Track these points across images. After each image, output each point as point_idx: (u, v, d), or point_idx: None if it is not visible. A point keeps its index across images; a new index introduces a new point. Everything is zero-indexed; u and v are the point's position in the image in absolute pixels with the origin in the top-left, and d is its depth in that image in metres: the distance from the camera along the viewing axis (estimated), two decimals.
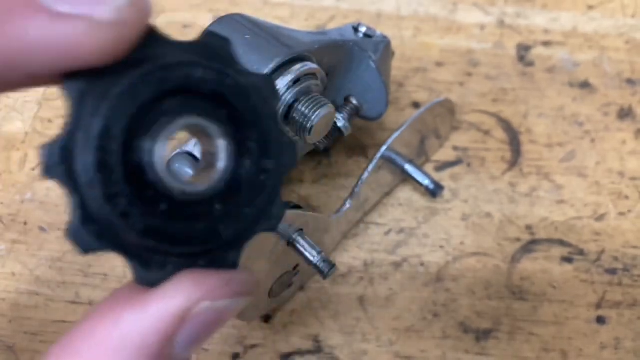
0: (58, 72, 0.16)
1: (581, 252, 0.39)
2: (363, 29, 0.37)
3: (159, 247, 0.17)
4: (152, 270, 0.18)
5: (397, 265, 0.38)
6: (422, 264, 0.38)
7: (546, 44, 0.47)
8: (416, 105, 0.44)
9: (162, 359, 0.18)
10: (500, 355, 0.36)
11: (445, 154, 0.42)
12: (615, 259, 0.39)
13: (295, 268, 0.34)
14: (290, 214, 0.32)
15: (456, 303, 0.37)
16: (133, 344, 0.17)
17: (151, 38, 0.17)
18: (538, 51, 0.46)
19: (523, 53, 0.46)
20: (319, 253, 0.32)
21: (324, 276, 0.33)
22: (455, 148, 0.42)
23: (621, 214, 0.40)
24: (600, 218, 0.40)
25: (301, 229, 0.32)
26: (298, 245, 0.32)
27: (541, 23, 0.48)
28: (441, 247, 0.39)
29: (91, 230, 0.17)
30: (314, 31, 0.38)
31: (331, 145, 0.41)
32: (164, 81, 0.17)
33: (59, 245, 0.38)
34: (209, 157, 0.18)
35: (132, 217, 0.17)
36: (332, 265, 0.33)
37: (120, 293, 0.18)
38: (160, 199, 0.17)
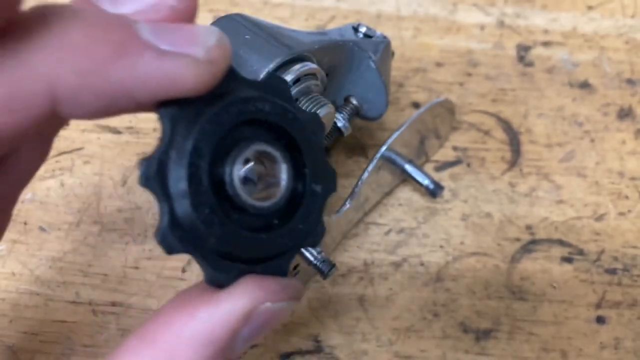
0: (156, 100, 0.19)
1: (581, 252, 0.39)
2: (363, 29, 0.37)
3: (231, 252, 0.20)
4: (221, 272, 0.20)
5: (397, 265, 0.38)
6: (422, 264, 0.38)
7: (546, 44, 0.47)
8: (416, 105, 0.44)
9: (227, 351, 0.20)
10: (500, 355, 0.36)
11: (445, 154, 0.42)
12: (615, 259, 0.39)
13: (295, 268, 0.34)
14: None
15: (456, 303, 0.37)
16: (205, 336, 0.20)
17: (229, 75, 0.21)
18: (538, 51, 0.46)
19: (523, 53, 0.46)
20: (319, 253, 0.32)
21: (324, 276, 0.33)
22: (455, 148, 0.42)
23: (621, 214, 0.40)
24: (600, 218, 0.40)
25: None
26: None
27: (541, 23, 0.48)
28: (441, 247, 0.39)
29: (176, 235, 0.19)
30: (314, 31, 0.38)
31: (331, 145, 0.41)
32: (241, 112, 0.20)
33: (59, 245, 0.38)
34: (271, 179, 0.22)
35: (213, 224, 0.19)
36: (332, 265, 0.33)
37: (192, 292, 0.21)
38: (235, 211, 0.20)
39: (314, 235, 0.22)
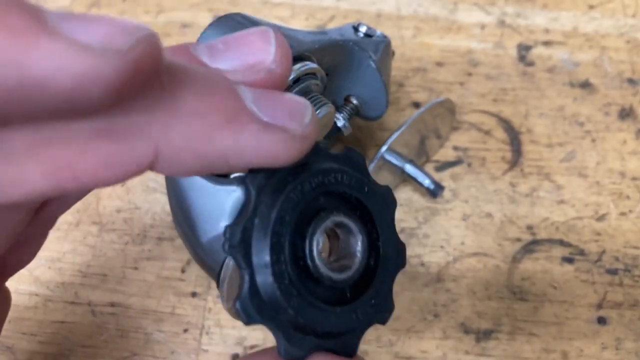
0: (247, 168, 0.19)
1: (582, 252, 0.39)
2: (363, 29, 0.37)
3: (306, 325, 0.20)
4: (295, 346, 0.20)
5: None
6: (422, 264, 0.38)
7: (546, 43, 0.47)
8: (416, 105, 0.44)
9: None
10: (501, 355, 0.36)
11: (445, 154, 0.42)
12: (616, 259, 0.38)
13: None
14: None
15: (456, 303, 0.37)
16: None
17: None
18: (538, 51, 0.46)
19: (523, 53, 0.46)
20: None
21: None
22: (456, 148, 0.42)
23: (622, 214, 0.40)
24: (601, 218, 0.40)
25: None
26: None
27: (541, 23, 0.48)
28: (441, 247, 0.39)
29: (255, 304, 0.19)
30: (314, 31, 0.38)
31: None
32: (322, 184, 0.20)
33: (58, 245, 0.38)
34: (344, 251, 0.21)
35: (291, 295, 0.19)
36: None
37: None
38: (311, 282, 0.20)
39: (385, 311, 0.22)
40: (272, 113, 0.19)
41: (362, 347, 0.36)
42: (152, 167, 0.18)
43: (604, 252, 0.39)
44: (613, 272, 0.38)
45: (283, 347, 0.20)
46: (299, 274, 0.20)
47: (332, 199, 0.21)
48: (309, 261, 0.20)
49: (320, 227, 0.20)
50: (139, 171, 0.17)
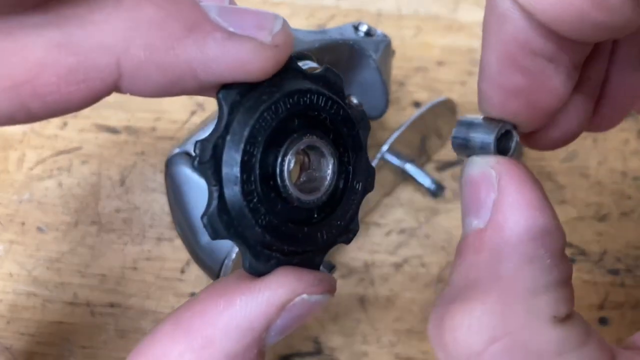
0: (217, 83, 0.19)
1: (583, 253, 0.38)
2: (363, 28, 0.37)
3: (272, 243, 0.20)
4: (261, 261, 0.20)
5: (397, 266, 0.38)
6: (423, 265, 0.38)
7: None
8: (417, 104, 0.44)
9: (259, 342, 0.20)
10: None
11: (446, 153, 0.42)
12: (618, 259, 0.38)
13: None
14: None
15: None
16: (241, 326, 0.20)
17: (287, 65, 0.20)
18: None
19: None
20: None
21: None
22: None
23: (623, 214, 0.40)
24: (602, 218, 0.40)
25: None
26: None
27: None
28: (442, 247, 0.39)
29: (223, 220, 0.19)
30: (315, 30, 0.38)
31: None
32: (297, 104, 0.20)
33: (56, 245, 0.38)
34: (314, 172, 0.22)
35: (259, 213, 0.20)
36: (332, 266, 0.32)
37: (228, 280, 0.21)
38: (280, 202, 0.20)
39: (348, 232, 0.23)
40: (238, 23, 0.19)
41: (362, 348, 0.35)
42: (117, 85, 0.18)
43: (605, 252, 0.39)
44: (614, 272, 0.38)
45: (249, 262, 0.20)
46: (268, 193, 0.20)
47: (306, 120, 0.21)
48: (278, 181, 0.20)
49: (292, 149, 0.20)
50: (104, 88, 0.17)
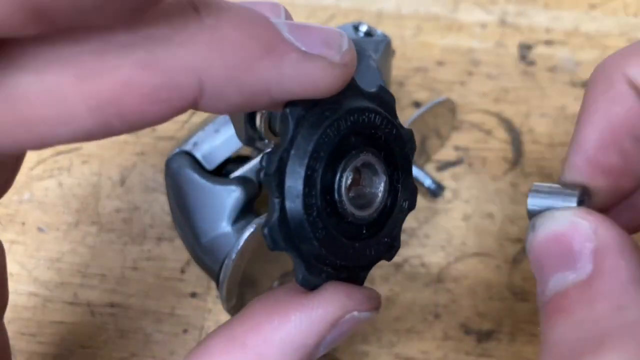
0: (287, 99, 0.20)
1: None
2: (363, 28, 0.37)
3: (326, 256, 0.21)
4: (312, 275, 0.21)
5: (397, 265, 0.38)
6: (423, 265, 0.38)
7: (548, 43, 0.46)
8: (417, 104, 0.44)
9: (311, 356, 0.21)
10: (502, 356, 0.35)
11: (446, 153, 0.42)
12: None
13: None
14: None
15: (457, 304, 0.37)
16: (295, 342, 0.20)
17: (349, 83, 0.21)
18: (539, 50, 0.46)
19: (524, 52, 0.46)
20: None
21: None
22: (457, 148, 0.42)
23: None
24: None
25: None
26: None
27: (543, 22, 0.47)
28: (442, 247, 0.39)
29: (282, 232, 0.20)
30: None
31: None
32: (357, 121, 0.21)
33: (57, 245, 0.38)
34: (365, 189, 0.22)
35: (317, 226, 0.20)
36: None
37: (278, 295, 0.21)
38: (335, 217, 0.21)
39: (393, 249, 0.23)
40: (308, 41, 0.19)
41: (362, 348, 0.35)
42: (196, 103, 0.18)
43: None
44: None
45: (302, 275, 0.21)
46: (326, 208, 0.20)
47: (362, 137, 0.21)
48: (336, 196, 0.21)
49: (350, 165, 0.21)
50: (183, 106, 0.18)
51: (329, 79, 0.19)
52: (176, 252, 0.38)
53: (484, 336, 0.36)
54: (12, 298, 0.36)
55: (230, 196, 0.32)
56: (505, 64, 0.45)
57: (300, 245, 0.20)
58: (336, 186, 0.21)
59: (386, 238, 0.23)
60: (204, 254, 0.33)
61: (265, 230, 0.20)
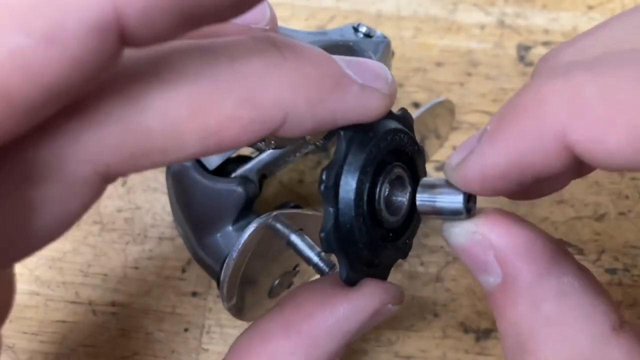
0: (346, 125, 0.22)
1: (581, 252, 0.39)
2: (363, 29, 0.37)
3: (368, 257, 0.24)
4: (354, 273, 0.24)
5: (397, 265, 0.38)
6: (422, 264, 0.38)
7: (546, 44, 0.47)
8: (416, 105, 0.44)
9: (350, 341, 0.24)
10: (500, 355, 0.36)
11: (445, 154, 0.42)
12: (615, 258, 0.39)
13: (295, 268, 0.34)
14: (290, 213, 0.32)
15: (456, 303, 0.37)
16: (343, 329, 0.24)
17: None
18: (538, 51, 0.46)
19: (523, 53, 0.46)
20: (318, 253, 0.32)
21: (324, 275, 0.33)
22: (455, 148, 0.42)
23: (621, 213, 0.40)
24: (600, 218, 0.40)
25: (301, 229, 0.32)
26: (298, 245, 0.32)
27: (541, 23, 0.48)
28: (441, 247, 0.39)
29: (336, 236, 0.23)
30: (314, 31, 0.38)
31: (331, 146, 0.41)
32: (392, 141, 0.24)
33: (59, 244, 0.38)
34: (394, 198, 0.25)
35: (362, 232, 0.23)
36: (332, 265, 0.32)
37: (324, 288, 0.25)
38: (372, 223, 0.24)
39: (406, 251, 0.27)
40: (364, 76, 0.22)
41: (362, 346, 0.36)
42: (275, 130, 0.20)
43: (603, 251, 0.39)
44: (612, 271, 0.38)
45: (346, 273, 0.24)
46: (369, 215, 0.23)
47: (395, 154, 0.25)
48: (377, 205, 0.24)
49: (387, 178, 0.24)
50: (268, 134, 0.20)
51: (380, 108, 0.22)
52: (177, 251, 0.38)
53: (482, 335, 0.36)
54: (15, 297, 0.37)
55: (231, 196, 0.32)
56: (504, 65, 0.46)
57: (347, 248, 0.23)
58: (377, 197, 0.24)
59: (407, 239, 0.26)
60: (204, 253, 0.34)
61: (323, 235, 0.23)
